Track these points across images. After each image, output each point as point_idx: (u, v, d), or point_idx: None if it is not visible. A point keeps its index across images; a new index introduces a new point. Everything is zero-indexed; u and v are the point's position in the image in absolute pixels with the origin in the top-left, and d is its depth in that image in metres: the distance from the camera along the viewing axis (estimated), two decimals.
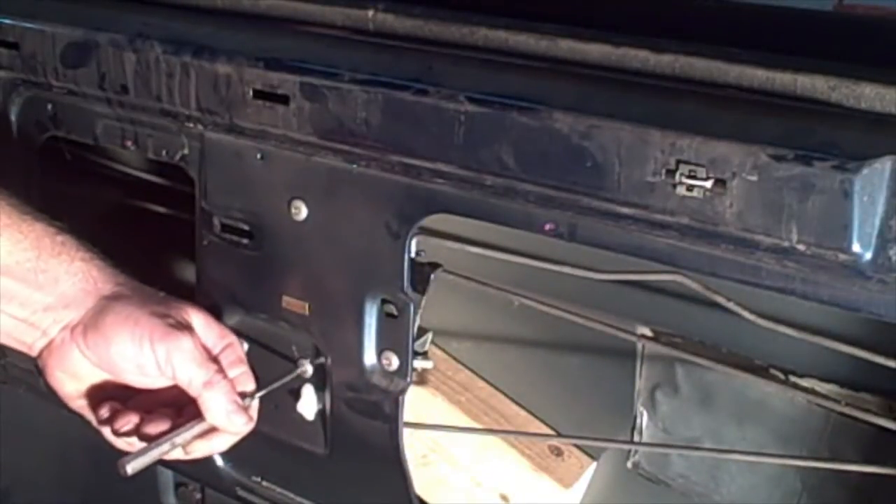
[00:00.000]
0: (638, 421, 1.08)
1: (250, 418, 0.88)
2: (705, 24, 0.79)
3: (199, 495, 1.16)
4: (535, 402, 1.15)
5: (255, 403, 0.90)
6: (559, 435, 1.13)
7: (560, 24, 0.80)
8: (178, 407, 0.87)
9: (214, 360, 0.87)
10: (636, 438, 1.08)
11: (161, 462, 1.06)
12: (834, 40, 0.76)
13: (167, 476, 1.18)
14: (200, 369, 0.84)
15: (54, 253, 0.86)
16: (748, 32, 0.77)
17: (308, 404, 0.95)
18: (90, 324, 0.85)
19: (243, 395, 0.88)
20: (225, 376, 0.86)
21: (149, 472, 1.16)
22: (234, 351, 0.89)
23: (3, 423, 1.30)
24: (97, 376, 0.87)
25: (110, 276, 0.88)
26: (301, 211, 0.90)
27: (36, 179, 1.09)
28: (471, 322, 1.15)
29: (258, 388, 0.90)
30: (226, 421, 0.86)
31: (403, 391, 0.89)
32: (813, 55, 0.71)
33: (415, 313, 0.87)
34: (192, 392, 0.85)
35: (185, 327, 0.86)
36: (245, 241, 0.94)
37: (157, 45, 0.92)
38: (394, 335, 0.89)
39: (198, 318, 0.88)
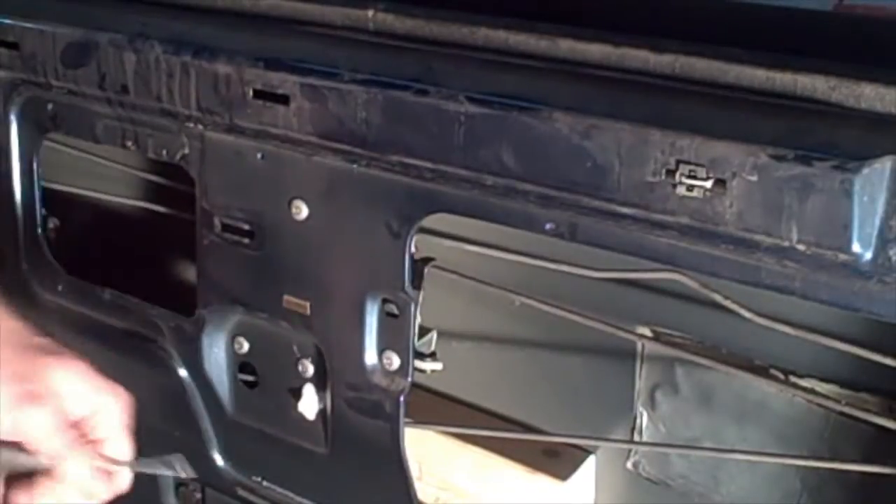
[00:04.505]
0: (638, 421, 1.08)
1: (115, 487, 0.82)
2: (705, 24, 0.79)
3: (199, 495, 1.16)
4: (535, 402, 1.15)
5: (126, 474, 0.84)
6: (559, 434, 1.13)
7: (560, 24, 0.80)
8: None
9: (77, 425, 0.81)
10: (636, 438, 1.08)
11: None
12: (834, 40, 0.76)
13: (167, 476, 1.18)
14: (52, 440, 0.79)
15: None
16: (748, 32, 0.78)
17: (309, 404, 0.95)
18: None
19: (113, 462, 0.83)
20: (85, 443, 0.81)
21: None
22: (109, 416, 0.83)
23: None
24: None
25: None
26: (302, 210, 0.90)
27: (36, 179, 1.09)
28: (471, 322, 1.15)
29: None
30: (82, 487, 0.81)
31: (404, 391, 0.89)
32: (813, 55, 0.71)
33: (415, 312, 0.87)
34: (45, 461, 0.80)
35: (42, 396, 0.79)
36: (246, 240, 0.94)
37: (157, 45, 0.92)
38: (394, 334, 0.89)
39: (67, 382, 0.81)
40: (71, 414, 0.81)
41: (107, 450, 0.83)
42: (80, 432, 0.81)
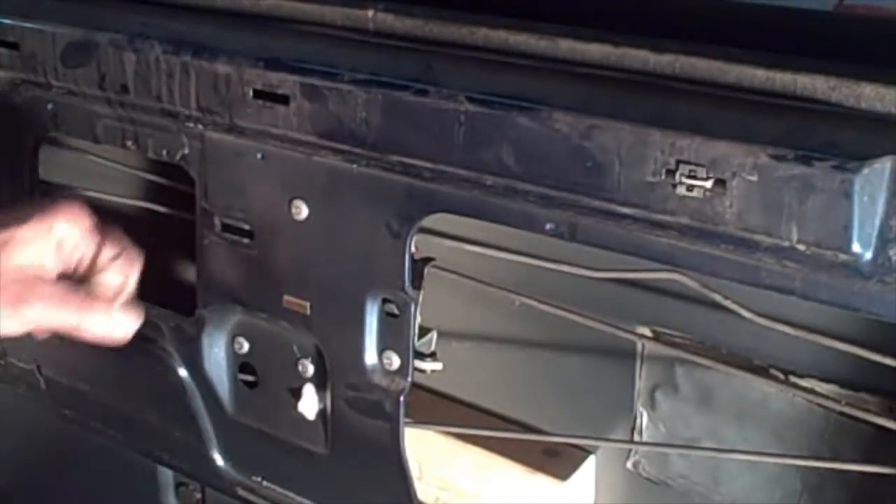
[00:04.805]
0: (638, 421, 1.08)
1: (138, 314, 0.85)
2: (705, 24, 0.79)
3: (199, 495, 1.16)
4: (535, 402, 1.15)
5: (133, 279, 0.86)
6: (559, 434, 1.13)
7: (560, 24, 0.80)
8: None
9: (73, 274, 0.82)
10: (636, 438, 1.08)
11: (160, 461, 1.06)
12: (834, 40, 0.76)
13: (167, 476, 1.18)
14: (60, 314, 0.80)
15: None
16: (748, 32, 0.78)
17: (309, 404, 0.95)
18: None
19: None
20: (92, 299, 0.82)
21: (149, 471, 1.17)
22: (82, 241, 0.83)
23: (3, 423, 1.30)
24: None
25: None
26: (302, 210, 0.90)
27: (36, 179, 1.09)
28: (471, 322, 1.15)
29: None
30: (110, 331, 0.83)
31: (404, 391, 0.89)
32: (813, 55, 0.71)
33: (415, 312, 0.87)
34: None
35: (32, 284, 0.80)
36: (246, 240, 0.94)
37: (157, 44, 0.92)
38: (394, 335, 0.89)
39: (37, 249, 0.81)
40: (67, 270, 0.82)
41: (107, 265, 0.84)
42: (78, 278, 0.82)
